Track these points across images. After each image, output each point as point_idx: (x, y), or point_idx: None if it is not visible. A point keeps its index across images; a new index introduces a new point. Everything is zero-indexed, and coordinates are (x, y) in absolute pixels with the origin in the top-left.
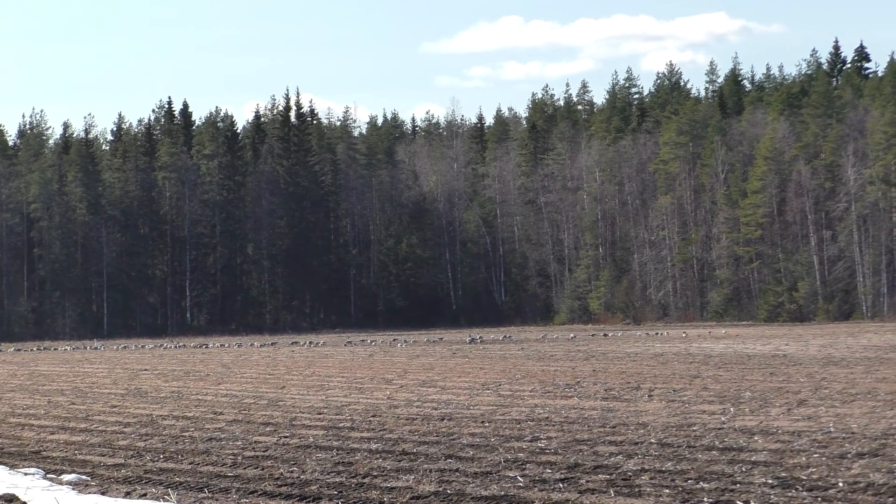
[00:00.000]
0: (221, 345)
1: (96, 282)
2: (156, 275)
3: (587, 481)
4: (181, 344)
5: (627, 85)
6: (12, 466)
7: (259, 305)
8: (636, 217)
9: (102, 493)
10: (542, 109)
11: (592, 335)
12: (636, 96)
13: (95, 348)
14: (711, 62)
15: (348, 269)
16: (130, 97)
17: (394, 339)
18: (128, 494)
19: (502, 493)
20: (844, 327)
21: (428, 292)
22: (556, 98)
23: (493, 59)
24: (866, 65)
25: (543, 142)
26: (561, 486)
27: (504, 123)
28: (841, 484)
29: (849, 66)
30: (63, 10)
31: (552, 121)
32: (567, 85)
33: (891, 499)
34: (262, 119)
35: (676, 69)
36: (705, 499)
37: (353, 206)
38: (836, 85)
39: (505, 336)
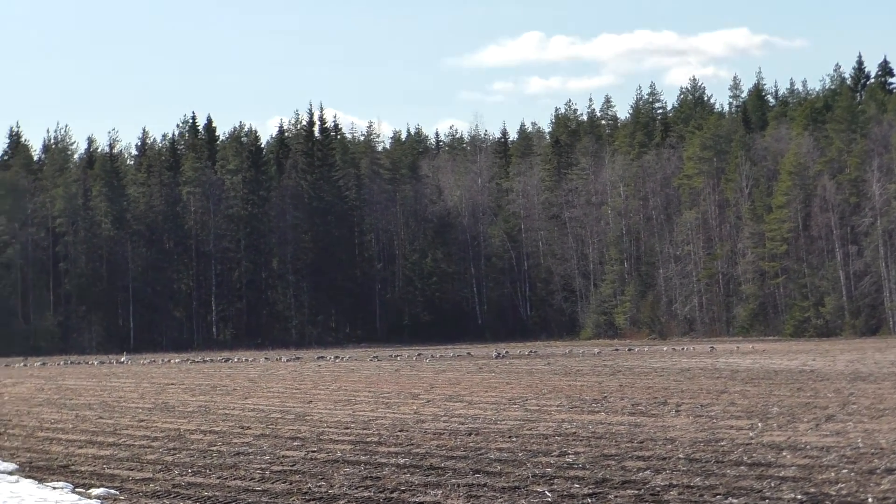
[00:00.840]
0: (247, 359)
1: (122, 296)
2: (181, 289)
3: (615, 496)
4: (207, 358)
5: (651, 100)
6: (41, 480)
7: (284, 320)
8: (661, 232)
9: None
10: (566, 124)
11: (616, 350)
12: (660, 111)
13: (122, 362)
14: (735, 77)
15: (373, 283)
16: (155, 112)
17: (419, 354)
18: None
19: None
20: (871, 342)
21: (453, 307)
22: (579, 113)
23: (515, 74)
24: (890, 80)
25: (567, 157)
26: (589, 501)
27: (527, 138)
28: (870, 500)
29: (872, 80)
30: (87, 26)
31: (576, 136)
32: (590, 100)
33: None
34: (286, 134)
35: (700, 84)
36: None
37: (377, 220)
38: (860, 100)
39: (531, 351)
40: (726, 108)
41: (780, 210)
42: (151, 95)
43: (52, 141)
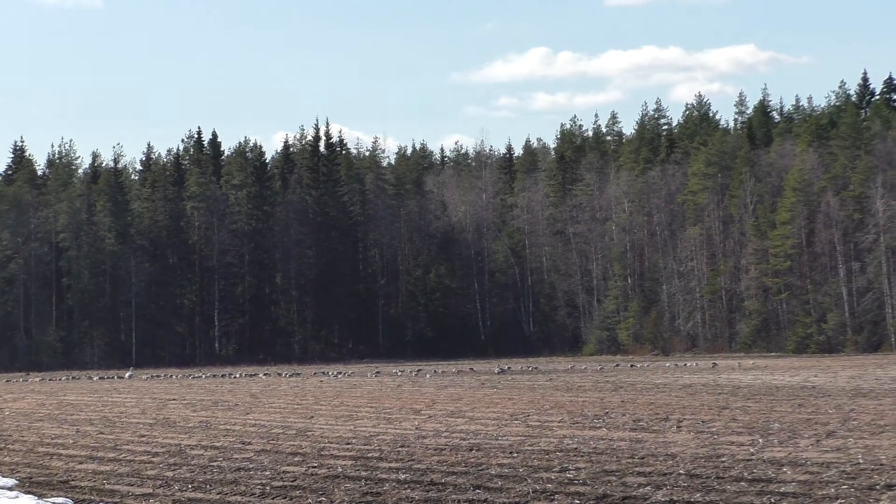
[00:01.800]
0: (249, 375)
1: (125, 311)
2: (184, 304)
3: None
4: (209, 374)
5: (656, 116)
6: (41, 496)
7: (287, 335)
8: (665, 248)
9: None
10: (571, 140)
11: (617, 365)
12: (665, 127)
13: (129, 376)
14: (740, 93)
15: (377, 299)
16: (159, 127)
17: (421, 370)
18: None
19: None
20: (873, 359)
21: (456, 322)
22: (584, 129)
23: (521, 89)
24: (895, 96)
25: (572, 172)
26: None
27: (532, 154)
28: None
29: (877, 97)
30: (92, 41)
31: (581, 151)
32: (596, 116)
33: None
34: (291, 149)
35: (705, 100)
36: None
37: (381, 236)
38: (865, 116)
39: (533, 367)
40: (731, 124)
41: (784, 226)
42: (156, 110)
43: (57, 156)
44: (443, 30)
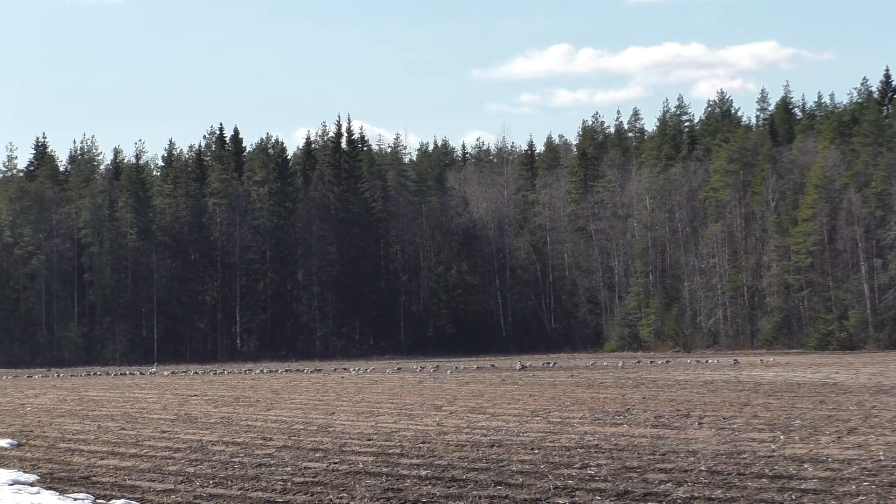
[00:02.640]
0: (271, 371)
1: (146, 307)
2: (206, 301)
3: None
4: (231, 370)
5: (678, 112)
6: (62, 492)
7: (309, 331)
8: (686, 245)
9: None
10: (593, 137)
11: (638, 362)
12: (687, 124)
13: (153, 372)
14: (762, 90)
15: (398, 295)
16: (181, 124)
17: (442, 366)
18: None
19: None
20: (895, 356)
21: (478, 319)
22: (606, 125)
23: (542, 86)
24: None
25: (594, 169)
26: None
27: (554, 150)
28: None
29: None
30: (113, 37)
31: (602, 148)
32: (618, 112)
33: None
34: (313, 146)
35: (727, 97)
36: None
37: (403, 232)
38: (887, 113)
39: (554, 363)
40: (753, 121)
41: (806, 223)
42: (178, 107)
43: (79, 152)
44: (463, 26)
